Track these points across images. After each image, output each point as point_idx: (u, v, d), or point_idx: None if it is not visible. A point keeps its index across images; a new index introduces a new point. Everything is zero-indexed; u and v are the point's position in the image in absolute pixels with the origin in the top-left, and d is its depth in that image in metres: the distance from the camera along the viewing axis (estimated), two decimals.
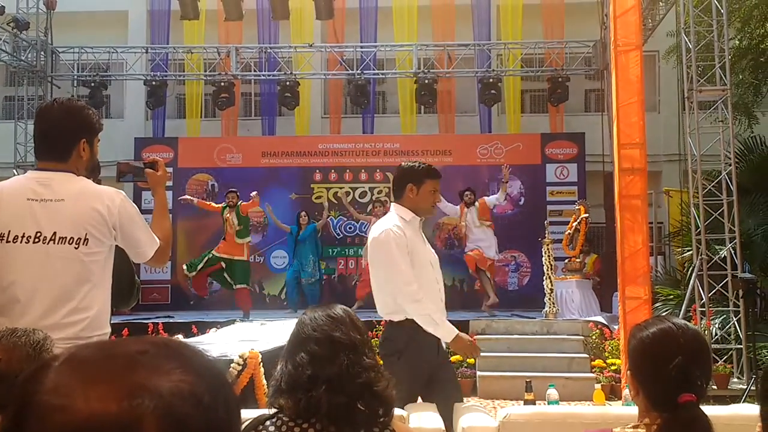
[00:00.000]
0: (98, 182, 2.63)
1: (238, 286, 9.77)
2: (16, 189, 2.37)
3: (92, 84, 11.99)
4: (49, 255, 2.28)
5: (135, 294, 2.84)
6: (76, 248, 2.30)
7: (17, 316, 2.20)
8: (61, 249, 2.29)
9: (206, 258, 9.72)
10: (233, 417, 0.66)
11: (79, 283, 2.31)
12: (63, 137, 2.40)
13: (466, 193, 10.02)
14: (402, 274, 3.23)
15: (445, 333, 3.30)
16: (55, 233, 2.29)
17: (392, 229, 3.28)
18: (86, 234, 2.32)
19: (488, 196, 10.18)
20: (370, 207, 10.64)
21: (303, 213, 10.84)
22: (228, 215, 9.74)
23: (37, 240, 2.28)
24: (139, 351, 0.63)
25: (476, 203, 9.90)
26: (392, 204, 3.50)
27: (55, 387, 0.60)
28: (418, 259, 3.34)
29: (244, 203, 9.75)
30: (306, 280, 10.79)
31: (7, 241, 2.28)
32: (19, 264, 2.28)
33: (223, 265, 9.66)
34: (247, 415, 1.87)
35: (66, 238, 2.30)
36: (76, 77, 12.52)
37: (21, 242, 2.28)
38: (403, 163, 3.55)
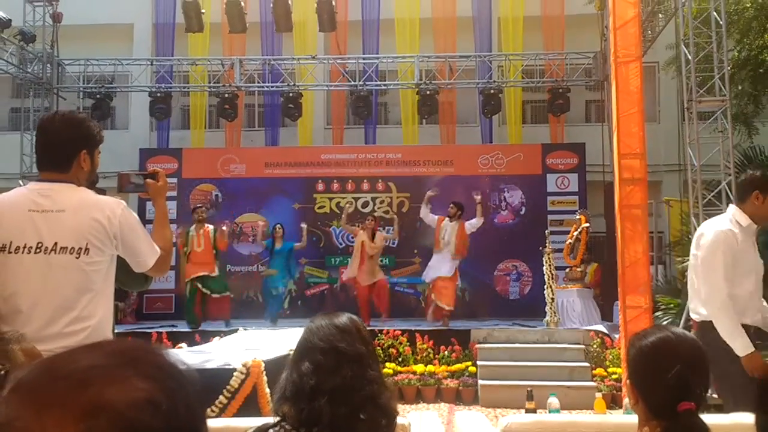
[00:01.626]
0: (103, 192, 2.68)
1: (222, 294, 9.89)
2: (17, 200, 2.39)
3: (98, 96, 12.08)
4: (51, 265, 2.30)
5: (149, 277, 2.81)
6: (77, 258, 2.32)
7: (20, 326, 2.20)
8: (63, 259, 2.31)
9: (193, 293, 9.69)
10: (196, 416, 0.65)
11: (81, 293, 2.33)
12: (64, 148, 2.42)
13: (451, 205, 9.86)
14: (717, 279, 3.32)
15: (740, 347, 3.31)
16: (56, 243, 2.31)
17: (725, 231, 3.34)
18: (87, 244, 2.33)
19: (471, 220, 9.87)
20: (367, 219, 10.55)
21: (278, 226, 10.56)
22: (197, 232, 9.71)
23: (38, 250, 2.30)
24: (90, 366, 0.61)
25: (456, 222, 9.67)
26: (731, 205, 3.55)
27: (7, 420, 0.58)
28: (743, 267, 3.39)
29: (220, 236, 9.76)
30: (275, 290, 10.51)
31: (9, 252, 2.30)
32: (21, 274, 2.29)
33: (199, 285, 9.69)
34: (251, 423, 1.92)
35: (67, 248, 2.32)
36: (81, 89, 12.62)
37: (23, 253, 2.30)
38: (750, 170, 3.58)
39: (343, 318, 1.81)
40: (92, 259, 2.35)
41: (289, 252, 10.54)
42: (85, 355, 0.63)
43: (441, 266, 9.70)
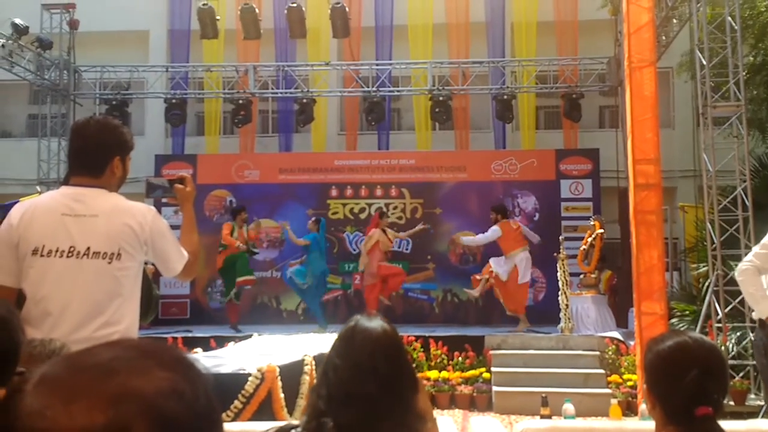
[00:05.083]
0: None
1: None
2: (50, 204, 2.41)
3: (114, 102, 12.19)
4: (83, 269, 2.32)
5: (153, 308, 2.85)
6: (109, 263, 2.34)
7: (48, 329, 2.22)
8: (94, 263, 2.33)
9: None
10: (214, 405, 0.66)
11: (111, 297, 2.35)
12: (98, 154, 2.44)
13: (491, 212, 9.93)
14: (755, 249, 3.60)
15: (763, 310, 3.45)
16: (88, 248, 2.33)
17: None
18: (119, 249, 2.35)
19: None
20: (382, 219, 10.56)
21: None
22: (242, 230, 9.94)
23: (70, 254, 2.31)
24: (112, 358, 0.62)
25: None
26: None
27: (34, 411, 0.58)
28: None
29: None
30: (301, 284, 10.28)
31: (41, 255, 2.32)
32: (53, 278, 2.31)
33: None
34: (266, 428, 1.92)
35: (99, 252, 2.33)
36: (98, 95, 12.75)
37: (55, 256, 2.31)
38: None
39: (374, 335, 1.65)
40: (123, 264, 2.37)
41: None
42: (105, 349, 0.64)
43: (499, 268, 9.73)
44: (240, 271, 9.89)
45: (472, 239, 10.21)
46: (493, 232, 9.70)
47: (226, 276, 10.03)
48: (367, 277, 10.20)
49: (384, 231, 10.10)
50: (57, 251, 2.32)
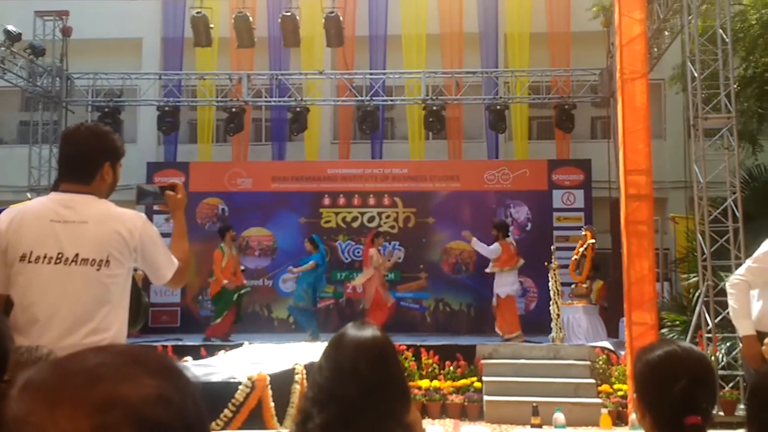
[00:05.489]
0: None
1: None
2: (39, 210, 2.39)
3: (106, 109, 12.16)
4: (71, 276, 2.30)
5: (142, 315, 2.83)
6: (97, 270, 2.32)
7: (36, 336, 2.19)
8: (83, 270, 2.31)
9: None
10: (202, 412, 0.66)
11: (100, 304, 2.33)
12: (88, 160, 2.42)
13: (493, 228, 10.01)
14: (747, 263, 3.69)
15: (742, 327, 3.52)
16: (77, 255, 2.31)
17: None
18: (108, 256, 2.34)
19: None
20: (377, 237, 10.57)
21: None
22: (231, 251, 9.98)
23: (58, 261, 2.30)
24: (99, 364, 0.61)
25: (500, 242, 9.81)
26: None
27: (20, 416, 0.58)
28: None
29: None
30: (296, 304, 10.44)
31: (29, 262, 2.30)
32: (40, 284, 2.29)
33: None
34: None
35: (88, 259, 2.32)
36: (90, 103, 12.73)
37: (42, 263, 2.29)
38: None
39: (366, 344, 1.67)
40: (112, 271, 2.36)
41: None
42: (93, 354, 0.63)
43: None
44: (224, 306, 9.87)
45: (477, 243, 10.22)
46: (496, 250, 9.75)
47: (218, 305, 10.00)
48: (366, 299, 10.37)
49: (379, 251, 10.24)
50: (45, 257, 2.30)
